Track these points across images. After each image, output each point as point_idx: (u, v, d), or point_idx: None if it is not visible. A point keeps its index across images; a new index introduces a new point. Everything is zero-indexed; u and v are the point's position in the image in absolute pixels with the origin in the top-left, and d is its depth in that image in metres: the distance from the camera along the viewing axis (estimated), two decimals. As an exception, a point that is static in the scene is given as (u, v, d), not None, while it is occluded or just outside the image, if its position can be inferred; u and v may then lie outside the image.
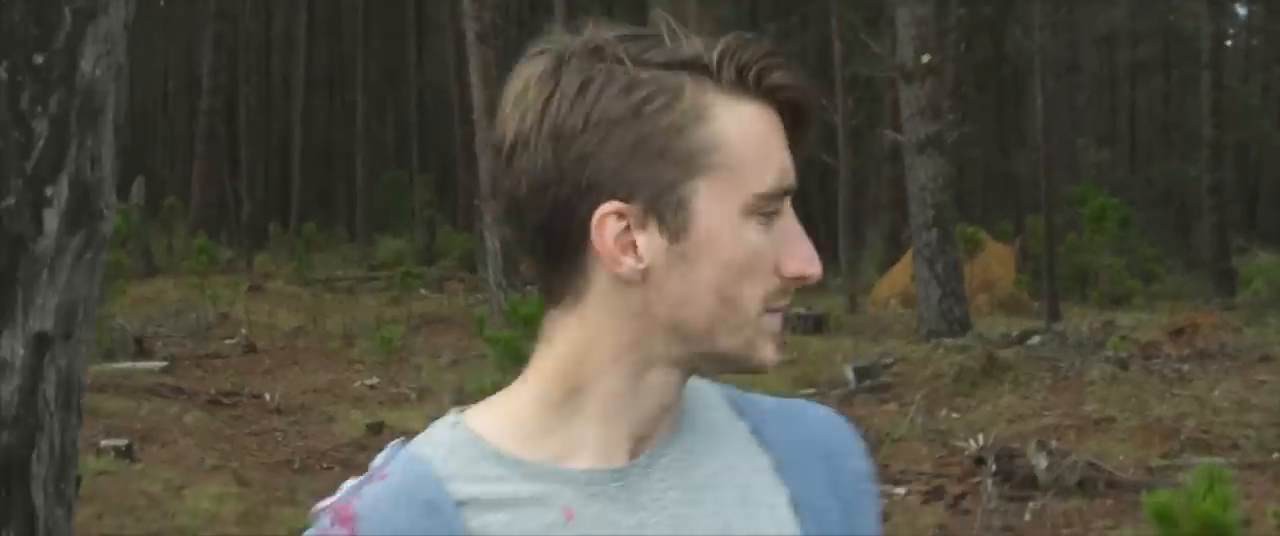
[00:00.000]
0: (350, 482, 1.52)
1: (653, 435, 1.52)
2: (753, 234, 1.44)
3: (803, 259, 1.46)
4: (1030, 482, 9.22)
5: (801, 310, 19.42)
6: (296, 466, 10.78)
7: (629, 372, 1.49)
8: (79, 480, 3.13)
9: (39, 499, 2.93)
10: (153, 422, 11.49)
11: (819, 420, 1.67)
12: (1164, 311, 20.72)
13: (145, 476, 9.27)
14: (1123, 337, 16.01)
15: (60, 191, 2.90)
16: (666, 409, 1.51)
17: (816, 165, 27.08)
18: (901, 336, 17.58)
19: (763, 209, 1.44)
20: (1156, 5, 50.76)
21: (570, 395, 1.49)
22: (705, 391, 1.61)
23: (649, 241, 1.44)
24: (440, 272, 28.01)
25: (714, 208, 1.43)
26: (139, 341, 16.66)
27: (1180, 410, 12.14)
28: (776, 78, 1.45)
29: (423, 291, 24.23)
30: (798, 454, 1.61)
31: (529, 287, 17.15)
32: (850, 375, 14.16)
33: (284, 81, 52.09)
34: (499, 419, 1.51)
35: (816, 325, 18.68)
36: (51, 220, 2.89)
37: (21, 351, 2.86)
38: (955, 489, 9.39)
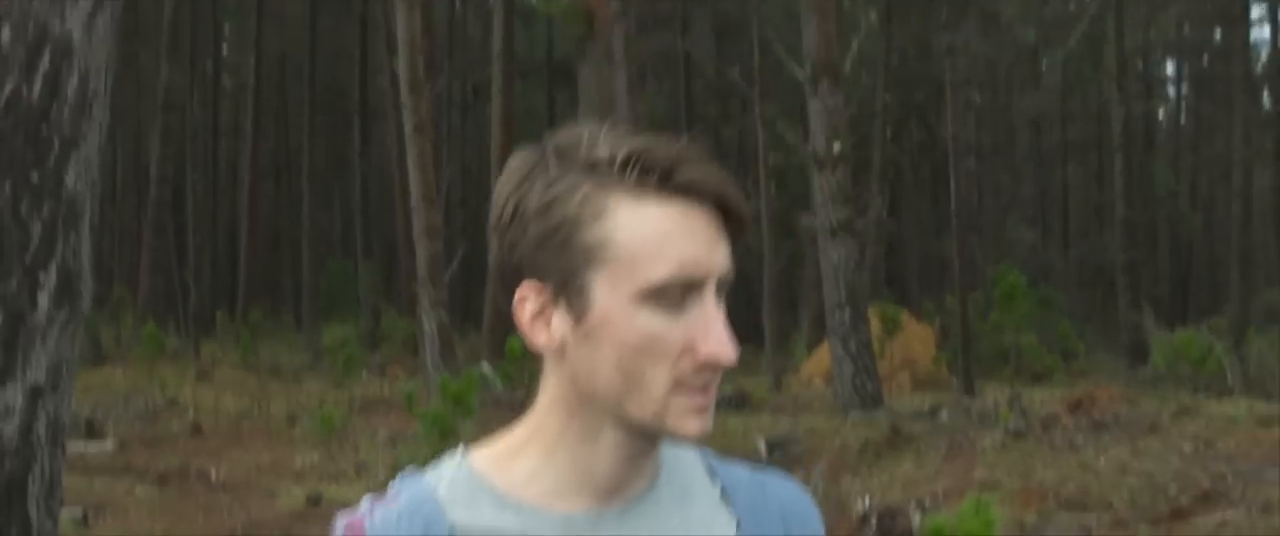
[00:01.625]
0: (367, 498, 1.74)
1: (627, 486, 1.68)
2: (648, 319, 1.56)
3: (714, 343, 1.57)
4: (907, 537, 10.14)
5: (727, 390, 20.38)
6: (240, 534, 11.58)
7: (583, 428, 1.65)
8: (61, 501, 4.03)
9: (34, 513, 3.83)
10: (105, 496, 12.27)
11: (782, 490, 1.82)
12: (1078, 387, 21.68)
13: (100, 543, 10.09)
14: (1021, 410, 16.98)
15: (50, 277, 3.82)
16: (631, 462, 1.67)
17: (746, 249, 28.12)
18: (819, 412, 18.44)
19: (659, 298, 1.56)
20: (1088, 87, 51.98)
21: (547, 445, 1.67)
22: (685, 455, 1.77)
23: (558, 320, 1.61)
24: (383, 358, 28.60)
25: (608, 295, 1.57)
26: (90, 424, 17.40)
27: (1062, 474, 13.04)
28: (682, 177, 1.57)
29: (365, 375, 25.02)
30: (759, 517, 1.77)
31: (464, 369, 18.00)
32: (763, 447, 15.05)
33: (231, 169, 52.49)
34: (497, 459, 1.71)
35: (739, 403, 19.54)
36: (43, 299, 3.81)
37: (20, 399, 3.77)
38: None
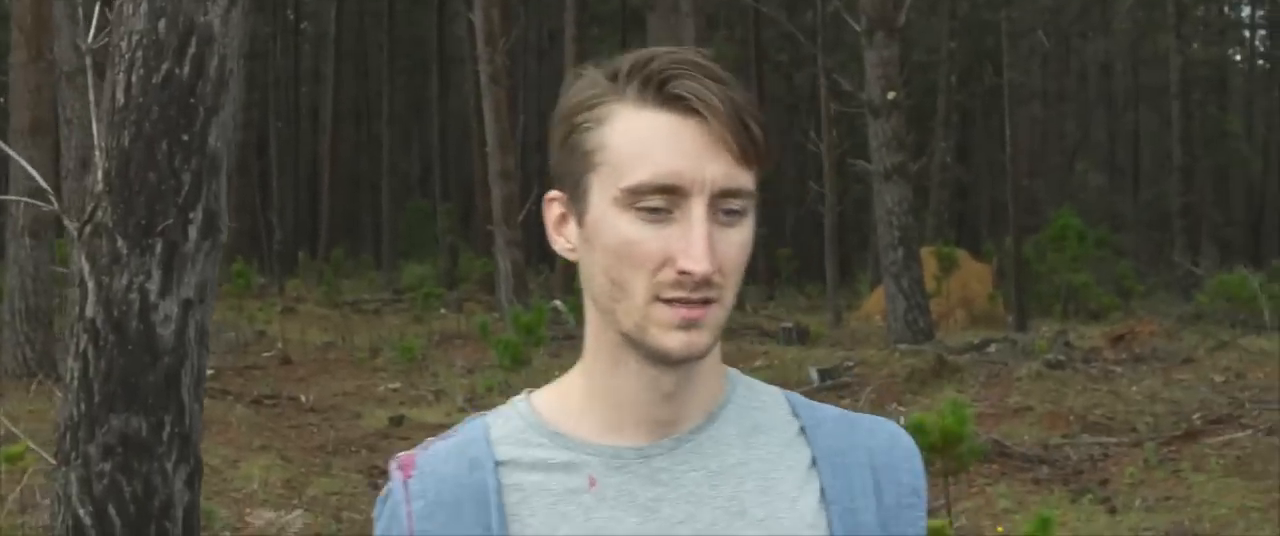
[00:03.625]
0: (429, 439, 1.75)
1: (679, 419, 1.66)
2: (628, 225, 1.56)
3: (685, 255, 1.54)
4: (935, 453, 11.09)
5: (788, 324, 21.41)
6: (330, 449, 12.68)
7: (609, 353, 1.65)
8: (204, 393, 5.13)
9: (186, 398, 4.92)
10: (207, 414, 13.40)
11: (876, 431, 1.75)
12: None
13: (206, 453, 11.19)
14: (1065, 343, 17.89)
15: (197, 216, 4.89)
16: (659, 389, 1.64)
17: (812, 192, 29.06)
18: (873, 345, 19.34)
19: (634, 202, 1.56)
20: (1158, 32, 52.05)
21: (589, 378, 1.68)
22: (763, 393, 1.74)
23: (572, 226, 1.64)
24: (460, 295, 29.45)
25: (598, 199, 1.59)
26: (187, 354, 18.58)
27: (1093, 401, 13.91)
28: (674, 88, 1.56)
29: (443, 311, 26.03)
30: (841, 457, 1.70)
31: (535, 304, 19.07)
32: (815, 376, 16.05)
33: (313, 114, 53.55)
34: (554, 398, 1.71)
35: (799, 337, 20.50)
36: (192, 232, 4.88)
37: (176, 310, 4.84)
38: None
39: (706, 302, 1.57)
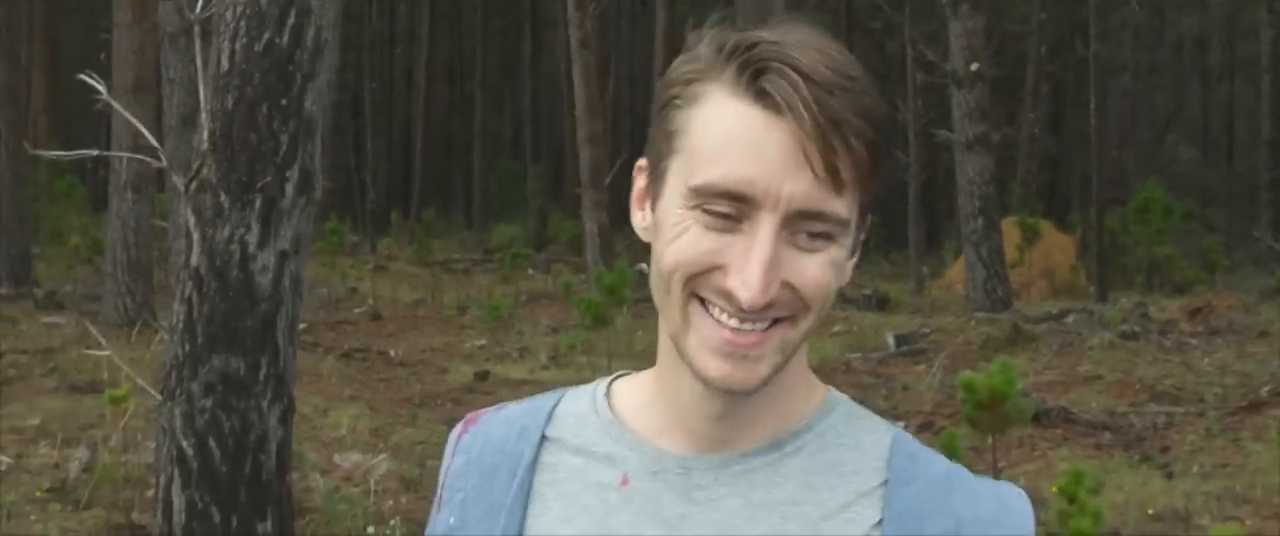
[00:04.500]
0: (507, 401, 1.70)
1: (731, 439, 1.49)
2: (690, 224, 1.39)
3: (736, 279, 1.36)
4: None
5: (867, 290, 21.72)
6: (416, 402, 13.15)
7: (672, 357, 1.48)
8: (298, 338, 5.55)
9: (281, 342, 5.35)
10: (299, 365, 13.90)
11: (982, 498, 1.49)
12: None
13: (297, 401, 11.69)
14: (1143, 315, 18.09)
15: (294, 174, 5.30)
16: (716, 415, 1.48)
17: (899, 161, 29.21)
18: (952, 313, 19.61)
19: (706, 204, 1.37)
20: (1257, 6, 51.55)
21: (658, 374, 1.54)
22: (864, 431, 1.53)
23: (649, 207, 1.48)
24: (548, 256, 30.14)
25: (671, 188, 1.42)
26: (281, 308, 19.13)
27: (1163, 371, 14.12)
28: (764, 82, 1.37)
29: (530, 272, 26.60)
30: (917, 522, 1.46)
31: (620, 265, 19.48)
32: (891, 341, 16.36)
33: (406, 75, 54.13)
34: (632, 388, 1.59)
35: (879, 304, 20.81)
36: (289, 189, 5.29)
37: (273, 260, 5.27)
38: (943, 423, 11.59)
39: (769, 328, 1.39)
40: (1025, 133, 34.34)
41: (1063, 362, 14.77)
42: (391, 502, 8.79)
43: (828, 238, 1.38)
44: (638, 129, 44.09)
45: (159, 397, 5.40)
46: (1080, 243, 27.75)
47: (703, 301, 1.40)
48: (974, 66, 19.27)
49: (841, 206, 1.37)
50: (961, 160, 19.65)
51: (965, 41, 19.40)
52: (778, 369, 1.42)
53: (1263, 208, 33.45)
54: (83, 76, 6.19)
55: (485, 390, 13.93)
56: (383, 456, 9.72)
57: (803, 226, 1.37)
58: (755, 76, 1.37)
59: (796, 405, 1.51)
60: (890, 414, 12.10)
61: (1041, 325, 17.43)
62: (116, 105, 6.26)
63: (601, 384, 1.62)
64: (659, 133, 1.46)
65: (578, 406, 1.60)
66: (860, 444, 1.50)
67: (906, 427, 8.42)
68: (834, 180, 1.35)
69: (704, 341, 1.40)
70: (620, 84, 42.80)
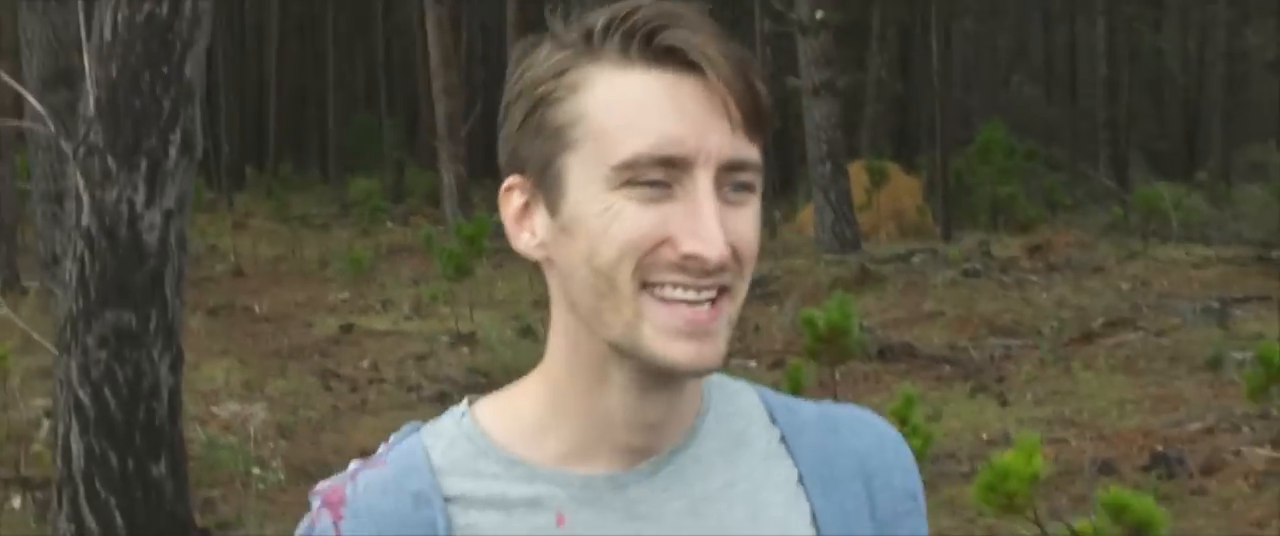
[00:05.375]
0: (355, 464, 1.48)
1: (658, 440, 1.43)
2: (621, 204, 1.32)
3: (691, 235, 1.30)
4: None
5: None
6: (285, 354, 13.47)
7: (589, 364, 1.40)
8: (185, 293, 5.92)
9: (170, 295, 5.72)
10: (167, 323, 14.17)
11: (860, 430, 1.54)
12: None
13: (168, 357, 12.03)
14: (986, 253, 18.81)
15: (176, 137, 5.66)
16: (652, 407, 1.41)
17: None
18: (803, 256, 20.18)
19: (634, 180, 1.32)
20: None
21: (556, 391, 1.43)
22: (738, 395, 1.52)
23: (541, 217, 1.39)
24: (406, 209, 30.25)
25: (581, 180, 1.34)
26: (142, 266, 19.28)
27: (1003, 307, 14.81)
28: (666, 40, 1.33)
29: (389, 225, 26.83)
30: (829, 469, 1.49)
31: (478, 216, 19.84)
32: (743, 283, 16.85)
33: (257, 30, 53.83)
34: (505, 414, 1.46)
35: (731, 247, 21.26)
36: (172, 151, 5.65)
37: (159, 218, 5.63)
38: (793, 360, 12.12)
39: (715, 300, 1.34)
40: (872, 77, 35.05)
41: (907, 301, 15.40)
42: (270, 445, 9.18)
43: (750, 189, 1.37)
44: (491, 80, 44.06)
45: (53, 352, 5.74)
46: (927, 184, 28.47)
47: (650, 288, 1.33)
48: (819, 14, 19.82)
49: (756, 153, 1.37)
50: (808, 106, 20.23)
51: (810, -10, 19.95)
52: (728, 346, 1.37)
53: (1099, 146, 34.41)
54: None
55: (351, 341, 14.28)
56: (260, 405, 10.08)
57: (728, 179, 1.34)
58: (648, 39, 1.33)
59: (697, 390, 1.47)
60: (743, 353, 12.65)
61: (888, 265, 18.05)
62: (9, 80, 6.54)
63: (460, 419, 1.48)
64: (537, 138, 1.38)
65: (456, 453, 1.45)
66: (742, 409, 1.51)
67: (758, 366, 8.93)
68: (750, 126, 1.35)
69: (663, 328, 1.32)
70: (473, 35, 42.87)
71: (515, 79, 1.40)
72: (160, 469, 5.61)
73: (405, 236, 24.44)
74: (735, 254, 1.34)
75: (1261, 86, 49.46)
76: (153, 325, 5.65)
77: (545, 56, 1.38)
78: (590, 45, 1.36)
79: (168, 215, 5.63)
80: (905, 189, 26.95)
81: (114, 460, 5.54)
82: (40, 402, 9.63)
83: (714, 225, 1.30)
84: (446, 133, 23.61)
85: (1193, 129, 54.15)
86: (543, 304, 14.07)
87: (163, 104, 5.58)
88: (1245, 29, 43.57)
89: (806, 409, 1.54)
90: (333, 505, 1.44)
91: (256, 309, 16.55)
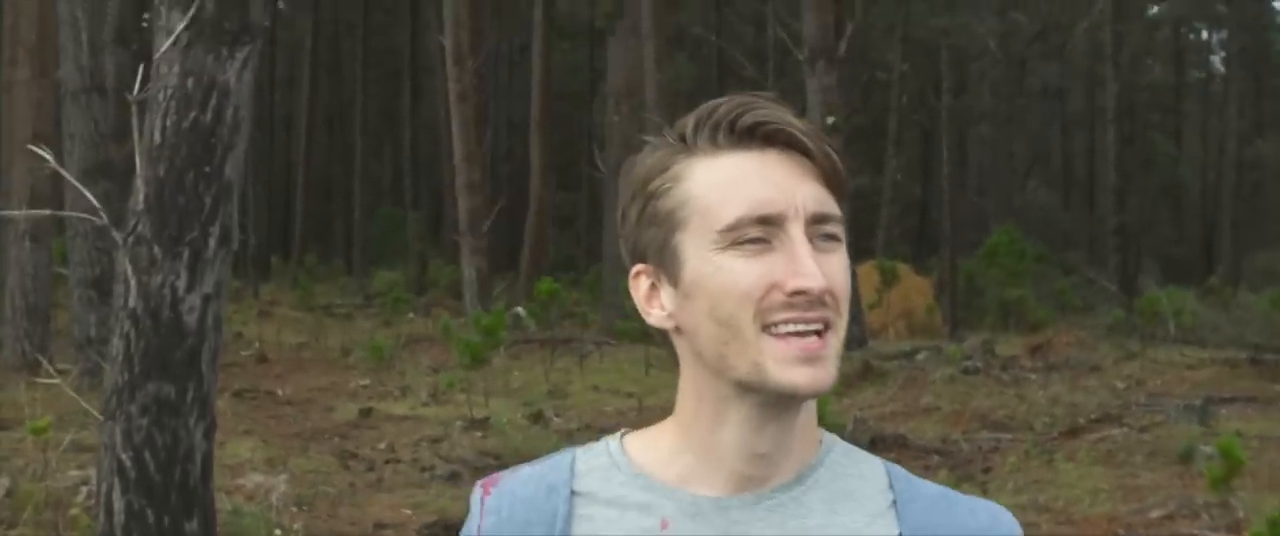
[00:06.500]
0: (520, 464, 1.77)
1: (767, 475, 1.62)
2: (730, 262, 1.54)
3: (794, 274, 1.51)
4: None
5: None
6: (306, 436, 14.04)
7: (712, 407, 1.61)
8: (218, 370, 6.59)
9: (206, 370, 6.38)
10: (195, 404, 14.79)
11: (977, 512, 1.67)
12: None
13: (196, 435, 12.66)
14: (989, 351, 19.31)
15: (216, 229, 6.34)
16: (764, 441, 1.60)
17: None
18: (811, 352, 20.65)
19: (738, 241, 1.54)
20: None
21: (684, 427, 1.65)
22: (862, 462, 1.69)
23: (666, 292, 1.62)
24: (428, 300, 30.70)
25: (694, 251, 1.57)
26: (171, 351, 19.89)
27: (998, 402, 15.23)
28: (747, 122, 1.57)
29: (411, 315, 27.32)
30: (930, 532, 1.63)
31: (497, 308, 20.44)
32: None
33: (287, 122, 54.42)
34: (645, 443, 1.70)
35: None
36: (212, 243, 6.33)
37: (198, 302, 6.30)
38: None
39: (822, 332, 1.54)
40: (888, 179, 35.74)
41: (906, 395, 15.92)
42: (292, 510, 9.80)
43: (836, 238, 1.58)
44: (516, 175, 44.76)
45: (100, 418, 6.39)
46: (937, 284, 29.05)
47: (768, 329, 1.53)
48: (830, 120, 20.43)
49: (837, 207, 1.58)
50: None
51: (821, 97, 20.56)
52: (837, 373, 1.56)
53: (1109, 252, 34.99)
54: None
55: (370, 425, 14.83)
56: (283, 477, 10.69)
57: (816, 230, 1.55)
58: (733, 124, 1.57)
59: (811, 440, 1.65)
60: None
61: (893, 362, 18.52)
62: (68, 176, 7.24)
63: (609, 443, 1.71)
64: (651, 226, 1.61)
65: (596, 463, 1.69)
66: (862, 473, 1.66)
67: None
68: (830, 183, 1.58)
69: (782, 359, 1.52)
70: (498, 131, 43.60)
71: (626, 185, 1.66)
72: (193, 525, 6.24)
73: (426, 327, 24.89)
74: (831, 293, 1.54)
75: (1275, 195, 50.12)
76: (190, 396, 6.30)
77: (648, 160, 1.64)
78: (685, 143, 1.60)
79: (206, 299, 6.28)
80: (916, 289, 27.53)
81: (151, 517, 6.17)
82: (75, 474, 10.29)
83: (811, 263, 1.52)
84: (468, 227, 24.30)
85: (1210, 235, 54.62)
86: (555, 393, 14.67)
87: (204, 200, 6.25)
88: (1257, 138, 44.17)
89: (931, 487, 1.69)
90: (489, 484, 1.74)
91: (279, 393, 17.13)
